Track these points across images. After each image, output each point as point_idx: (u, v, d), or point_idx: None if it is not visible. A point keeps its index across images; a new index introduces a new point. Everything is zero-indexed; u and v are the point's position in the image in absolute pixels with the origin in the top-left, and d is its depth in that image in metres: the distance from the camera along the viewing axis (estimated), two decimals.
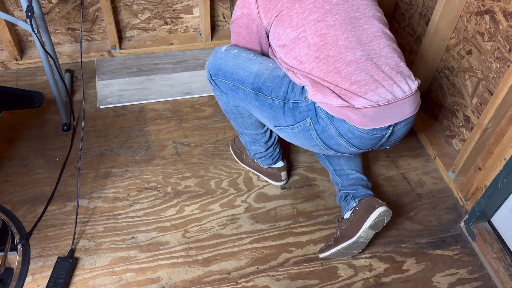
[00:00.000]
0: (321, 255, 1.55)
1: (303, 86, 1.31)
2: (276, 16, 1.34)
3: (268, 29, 1.39)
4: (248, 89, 1.40)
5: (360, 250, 1.54)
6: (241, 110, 1.51)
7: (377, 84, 1.28)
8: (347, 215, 1.52)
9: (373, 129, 1.30)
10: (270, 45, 1.45)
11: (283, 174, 1.73)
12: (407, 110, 1.32)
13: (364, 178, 1.62)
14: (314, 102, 1.29)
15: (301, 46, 1.30)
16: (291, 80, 1.34)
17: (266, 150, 1.66)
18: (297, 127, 1.35)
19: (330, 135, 1.33)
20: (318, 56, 1.29)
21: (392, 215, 1.48)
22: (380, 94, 1.28)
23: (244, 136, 1.65)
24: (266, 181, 1.76)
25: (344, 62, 1.28)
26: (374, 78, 1.28)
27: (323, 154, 1.72)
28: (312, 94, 1.28)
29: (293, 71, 1.33)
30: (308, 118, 1.32)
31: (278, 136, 1.65)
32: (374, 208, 1.44)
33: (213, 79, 1.47)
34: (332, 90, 1.27)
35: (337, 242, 1.51)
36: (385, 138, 1.35)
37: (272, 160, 1.70)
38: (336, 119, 1.29)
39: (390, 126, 1.32)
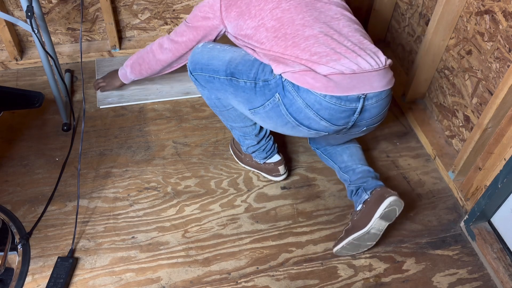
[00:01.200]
0: (335, 249, 1.53)
1: None
2: (237, 11, 1.43)
3: (228, 24, 1.47)
4: (222, 77, 1.44)
5: (374, 243, 1.52)
6: (223, 103, 1.53)
7: (339, 56, 1.30)
8: (359, 208, 1.51)
9: (341, 98, 1.30)
10: (234, 37, 1.50)
11: (281, 169, 1.73)
12: (376, 84, 1.32)
13: (371, 169, 1.61)
14: (281, 77, 1.33)
15: (261, 31, 1.39)
16: (261, 62, 1.38)
17: (258, 143, 1.66)
18: (268, 105, 1.38)
19: (298, 107, 1.33)
20: (276, 35, 1.36)
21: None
22: (344, 64, 1.29)
23: (235, 131, 1.66)
24: (266, 181, 1.76)
25: (302, 37, 1.33)
26: (335, 50, 1.31)
27: (325, 155, 1.72)
28: (275, 66, 1.32)
29: (256, 52, 1.40)
30: (277, 94, 1.35)
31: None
32: (384, 198, 1.43)
33: (192, 75, 1.52)
34: (293, 61, 1.32)
35: (348, 233, 1.49)
36: (356, 112, 1.34)
37: (266, 153, 1.69)
38: (302, 90, 1.30)
39: (359, 98, 1.31)
